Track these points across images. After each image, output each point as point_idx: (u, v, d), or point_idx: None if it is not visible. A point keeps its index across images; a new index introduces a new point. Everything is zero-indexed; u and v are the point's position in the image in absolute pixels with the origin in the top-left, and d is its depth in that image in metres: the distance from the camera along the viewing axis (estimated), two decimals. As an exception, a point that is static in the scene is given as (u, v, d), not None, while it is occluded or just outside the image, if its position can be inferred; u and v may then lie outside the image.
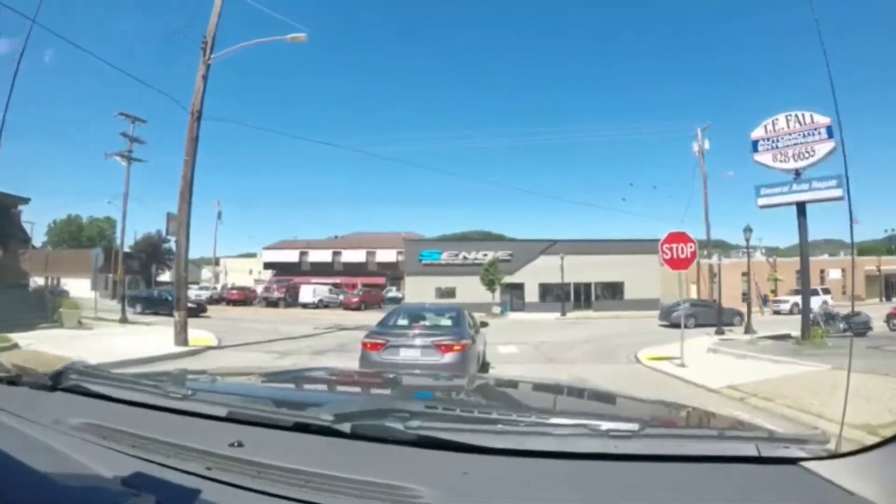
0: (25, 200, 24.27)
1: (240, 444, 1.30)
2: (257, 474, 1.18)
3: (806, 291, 17.09)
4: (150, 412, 1.57)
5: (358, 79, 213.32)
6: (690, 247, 13.44)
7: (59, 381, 1.75)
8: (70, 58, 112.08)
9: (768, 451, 1.25)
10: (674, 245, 13.56)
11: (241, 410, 1.51)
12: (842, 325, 18.19)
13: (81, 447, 1.32)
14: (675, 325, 31.63)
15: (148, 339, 16.87)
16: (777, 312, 38.34)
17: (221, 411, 1.51)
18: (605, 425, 1.33)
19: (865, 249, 66.64)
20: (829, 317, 18.30)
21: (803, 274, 17.13)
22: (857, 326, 18.26)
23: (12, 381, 1.82)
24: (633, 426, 1.32)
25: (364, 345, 9.45)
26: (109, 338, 16.79)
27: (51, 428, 1.44)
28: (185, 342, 15.54)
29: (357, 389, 2.61)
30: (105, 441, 1.37)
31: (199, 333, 18.46)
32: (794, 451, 1.26)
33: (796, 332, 18.12)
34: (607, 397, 2.51)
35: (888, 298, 49.62)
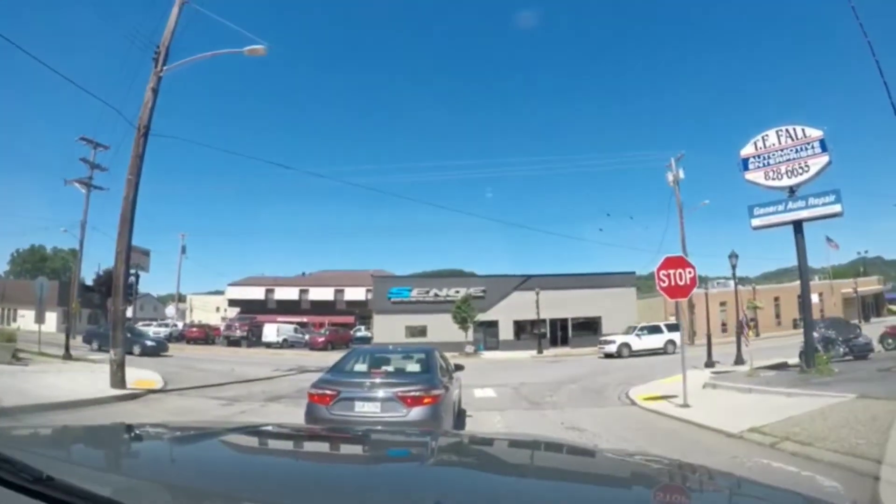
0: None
1: None
2: None
3: (808, 316, 15.86)
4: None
5: (323, 104, 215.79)
6: (690, 272, 12.04)
7: None
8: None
9: None
10: (671, 271, 12.18)
11: None
12: (842, 350, 17.14)
13: None
14: (609, 356, 32.77)
15: (83, 379, 15.13)
16: (609, 355, 33.35)
17: (78, 501, 1.24)
18: None
19: (838, 273, 67.73)
20: (828, 341, 17.16)
21: (804, 295, 15.96)
22: (858, 349, 17.24)
23: None
24: None
25: (311, 396, 7.81)
26: (40, 376, 14.97)
27: None
28: (122, 384, 13.87)
29: (274, 476, 1.84)
30: None
31: (143, 374, 16.94)
32: None
33: (793, 360, 17.08)
34: (626, 478, 2.00)
35: (867, 319, 49.83)
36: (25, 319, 40.54)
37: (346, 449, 2.65)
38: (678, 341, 34.00)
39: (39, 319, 21.87)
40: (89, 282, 55.49)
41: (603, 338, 36.95)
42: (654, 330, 35.61)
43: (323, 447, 2.74)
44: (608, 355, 33.47)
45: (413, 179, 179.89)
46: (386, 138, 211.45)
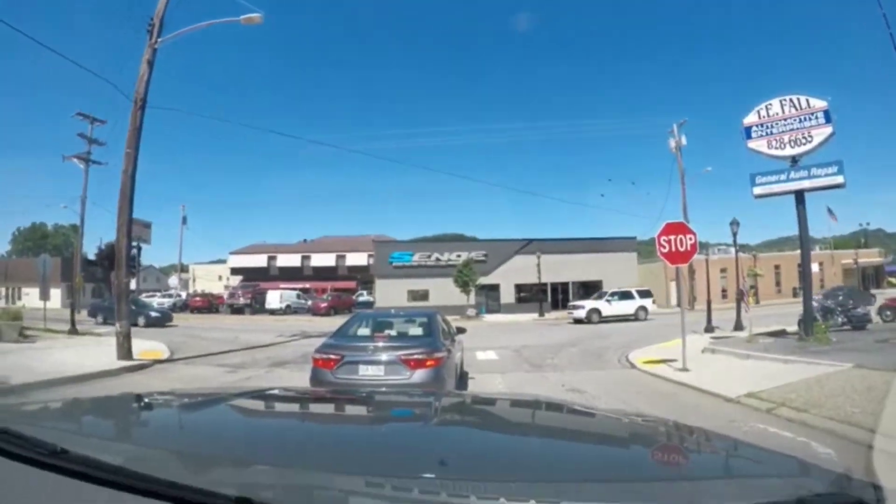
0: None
1: None
2: None
3: (808, 285, 15.99)
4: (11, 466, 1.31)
5: (325, 70, 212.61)
6: (690, 239, 12.13)
7: None
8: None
9: None
10: (672, 237, 12.25)
11: (113, 477, 1.23)
12: (840, 319, 17.23)
13: None
14: (579, 321, 32.39)
15: (90, 352, 15.27)
16: (578, 321, 32.71)
17: (93, 472, 1.25)
18: None
19: (839, 244, 67.97)
20: (827, 310, 17.26)
21: (805, 265, 16.06)
22: (857, 319, 17.35)
23: None
24: None
25: (315, 360, 7.97)
26: (47, 352, 15.09)
27: None
28: (128, 355, 14.01)
29: (282, 438, 1.91)
30: None
31: (149, 345, 17.08)
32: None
33: (792, 328, 17.31)
34: (625, 437, 2.09)
35: (866, 290, 49.88)
36: (30, 297, 40.74)
37: (351, 411, 2.70)
38: (649, 307, 34.49)
39: (44, 296, 21.97)
40: (92, 256, 55.49)
41: (572, 303, 36.46)
42: (626, 296, 35.13)
43: (328, 409, 2.77)
44: (577, 321, 32.74)
45: (413, 145, 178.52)
46: (386, 104, 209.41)
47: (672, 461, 1.74)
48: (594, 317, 32.82)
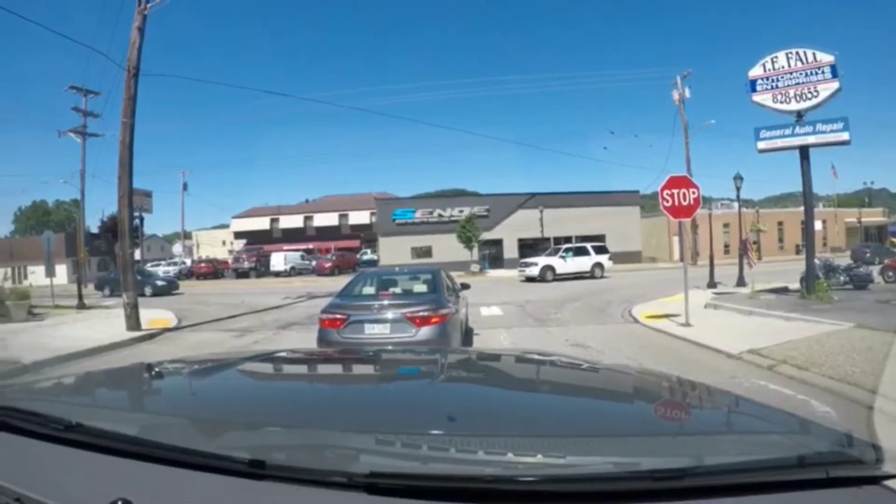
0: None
1: None
2: None
3: (810, 242, 15.91)
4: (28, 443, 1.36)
5: (318, 25, 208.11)
6: (693, 192, 12.07)
7: None
8: None
9: (842, 470, 1.11)
10: (675, 191, 12.17)
11: (128, 447, 1.26)
12: (842, 278, 17.24)
13: None
14: (531, 279, 31.05)
15: (99, 325, 15.37)
16: (530, 279, 31.16)
17: (108, 443, 1.28)
18: (646, 463, 1.13)
19: (843, 202, 67.69)
20: (830, 269, 17.28)
21: (808, 222, 15.95)
22: (859, 279, 17.35)
23: None
24: (682, 461, 1.14)
25: (321, 321, 8.06)
26: (57, 328, 15.11)
27: None
28: (137, 326, 14.17)
29: (293, 400, 1.96)
30: None
31: (156, 314, 17.23)
32: (871, 468, 1.12)
33: (794, 285, 17.35)
34: (629, 393, 2.10)
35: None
36: (36, 275, 40.45)
37: (358, 370, 2.72)
38: (606, 264, 32.97)
39: (50, 273, 21.96)
40: (95, 230, 55.93)
41: (524, 260, 34.34)
42: (581, 252, 33.20)
43: (336, 370, 2.80)
44: (529, 279, 31.02)
45: (413, 100, 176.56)
46: (385, 58, 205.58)
47: (675, 416, 1.76)
48: (548, 274, 30.95)
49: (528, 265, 32.30)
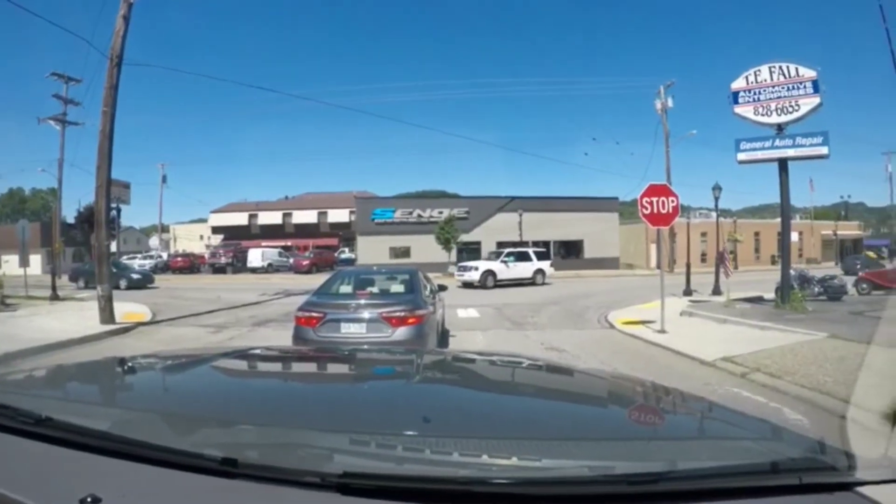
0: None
1: (95, 501, 1.00)
2: None
3: (786, 253, 16.24)
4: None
5: (303, 22, 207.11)
6: (672, 201, 12.24)
7: None
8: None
9: (815, 476, 1.13)
10: (654, 199, 12.31)
11: (99, 442, 1.23)
12: (817, 289, 17.54)
13: None
14: (469, 285, 29.10)
15: (73, 318, 15.08)
16: (468, 285, 28.85)
17: (79, 438, 1.25)
18: (621, 467, 1.16)
19: (819, 215, 68.89)
20: (805, 279, 17.57)
21: (784, 233, 16.30)
22: (833, 290, 17.66)
23: None
24: (656, 465, 1.15)
25: (297, 319, 8.01)
26: (29, 319, 14.82)
27: None
28: (111, 319, 13.89)
29: (267, 398, 1.93)
30: None
31: (131, 308, 17.02)
32: (844, 475, 1.14)
33: (769, 295, 17.58)
34: (604, 397, 2.11)
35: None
36: (10, 264, 39.27)
37: (334, 369, 2.69)
38: (548, 271, 31.95)
39: (24, 263, 21.52)
40: (71, 220, 54.63)
41: (462, 264, 32.31)
42: (523, 257, 31.86)
43: (311, 368, 2.78)
44: (467, 285, 28.79)
45: (396, 99, 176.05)
46: (368, 58, 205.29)
47: (649, 421, 1.77)
48: (489, 280, 28.94)
49: (466, 269, 30.29)
